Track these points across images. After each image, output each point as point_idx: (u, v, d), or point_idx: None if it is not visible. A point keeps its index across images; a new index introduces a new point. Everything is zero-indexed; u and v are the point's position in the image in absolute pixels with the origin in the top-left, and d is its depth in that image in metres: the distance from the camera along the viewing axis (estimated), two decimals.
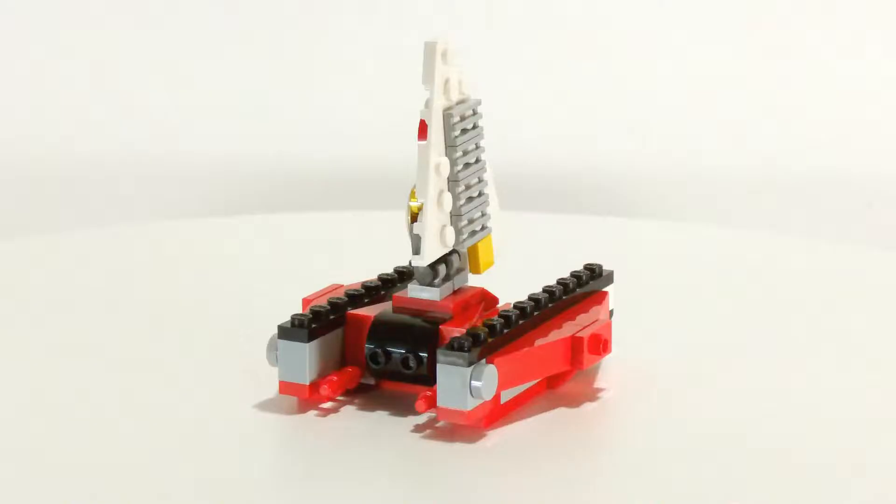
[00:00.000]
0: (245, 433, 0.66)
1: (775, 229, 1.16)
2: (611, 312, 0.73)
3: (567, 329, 0.68)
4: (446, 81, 0.67)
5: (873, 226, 1.23)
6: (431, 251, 0.67)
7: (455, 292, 0.69)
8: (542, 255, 0.81)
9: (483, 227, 0.70)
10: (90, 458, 0.64)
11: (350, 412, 0.68)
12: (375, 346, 0.67)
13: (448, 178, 0.68)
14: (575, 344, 0.68)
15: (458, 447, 0.65)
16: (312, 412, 0.68)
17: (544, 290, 0.70)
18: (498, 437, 0.66)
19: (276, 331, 0.67)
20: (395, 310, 0.69)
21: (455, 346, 0.64)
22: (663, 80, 1.35)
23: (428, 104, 0.66)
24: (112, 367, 0.73)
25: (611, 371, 0.72)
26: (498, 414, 0.66)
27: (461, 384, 0.63)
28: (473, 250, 0.70)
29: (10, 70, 1.35)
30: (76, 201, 1.27)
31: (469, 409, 0.64)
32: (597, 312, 0.70)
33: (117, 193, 1.28)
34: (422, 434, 0.66)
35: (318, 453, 0.65)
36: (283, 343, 0.67)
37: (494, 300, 0.71)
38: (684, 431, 0.67)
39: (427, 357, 0.66)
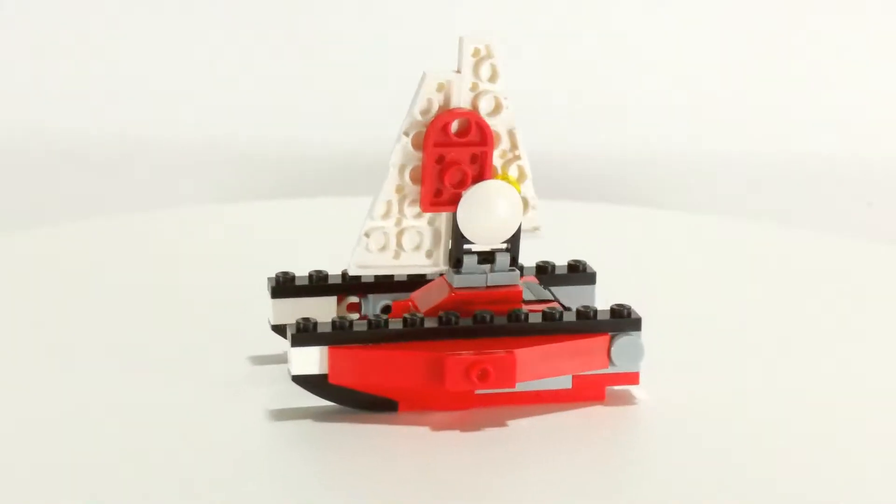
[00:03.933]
0: (241, 428, 0.67)
1: (777, 220, 1.16)
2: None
3: None
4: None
5: (874, 223, 1.22)
6: None
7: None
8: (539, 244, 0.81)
9: None
10: (83, 452, 0.64)
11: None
12: None
13: None
14: None
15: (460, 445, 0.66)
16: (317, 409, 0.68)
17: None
18: (499, 434, 0.66)
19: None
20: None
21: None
22: (665, 70, 1.35)
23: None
24: (106, 360, 0.73)
25: None
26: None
27: None
28: None
29: (12, 57, 1.35)
30: (73, 190, 1.27)
31: None
32: None
33: (120, 180, 1.29)
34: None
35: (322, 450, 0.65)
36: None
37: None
38: (684, 429, 0.67)
39: None
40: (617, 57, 1.36)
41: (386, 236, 0.69)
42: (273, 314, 0.72)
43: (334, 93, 1.35)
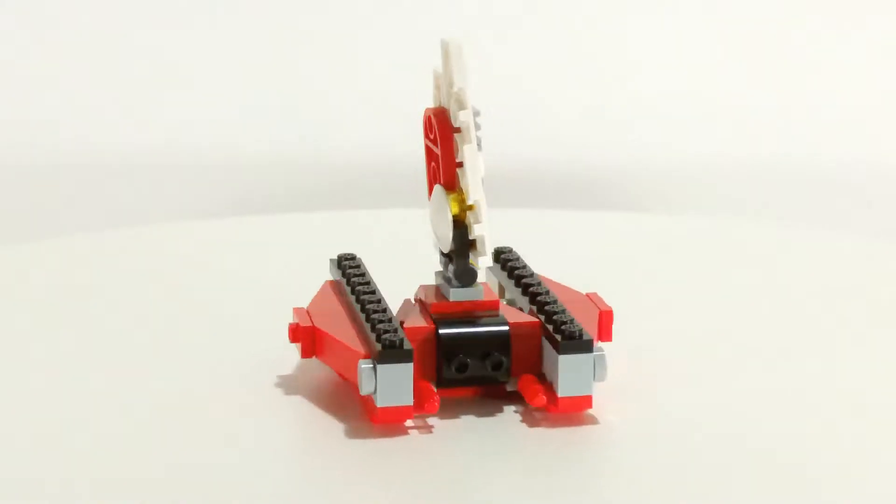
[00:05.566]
0: (252, 436, 0.67)
1: (773, 221, 1.16)
2: None
3: None
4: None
5: (873, 221, 1.22)
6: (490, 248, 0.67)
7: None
8: (536, 250, 0.81)
9: None
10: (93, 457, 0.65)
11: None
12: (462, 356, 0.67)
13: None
14: None
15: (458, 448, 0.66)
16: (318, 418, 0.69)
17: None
18: (490, 430, 0.67)
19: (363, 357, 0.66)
20: (448, 316, 0.68)
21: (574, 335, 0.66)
22: (660, 72, 1.35)
23: (465, 104, 0.65)
24: (113, 370, 0.74)
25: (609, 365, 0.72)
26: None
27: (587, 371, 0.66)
28: None
29: (13, 67, 1.35)
30: (70, 202, 1.27)
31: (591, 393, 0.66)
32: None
33: (126, 193, 1.29)
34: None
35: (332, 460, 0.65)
36: (384, 368, 0.65)
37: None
38: (683, 429, 0.67)
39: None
40: (610, 60, 1.36)
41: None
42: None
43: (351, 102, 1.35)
